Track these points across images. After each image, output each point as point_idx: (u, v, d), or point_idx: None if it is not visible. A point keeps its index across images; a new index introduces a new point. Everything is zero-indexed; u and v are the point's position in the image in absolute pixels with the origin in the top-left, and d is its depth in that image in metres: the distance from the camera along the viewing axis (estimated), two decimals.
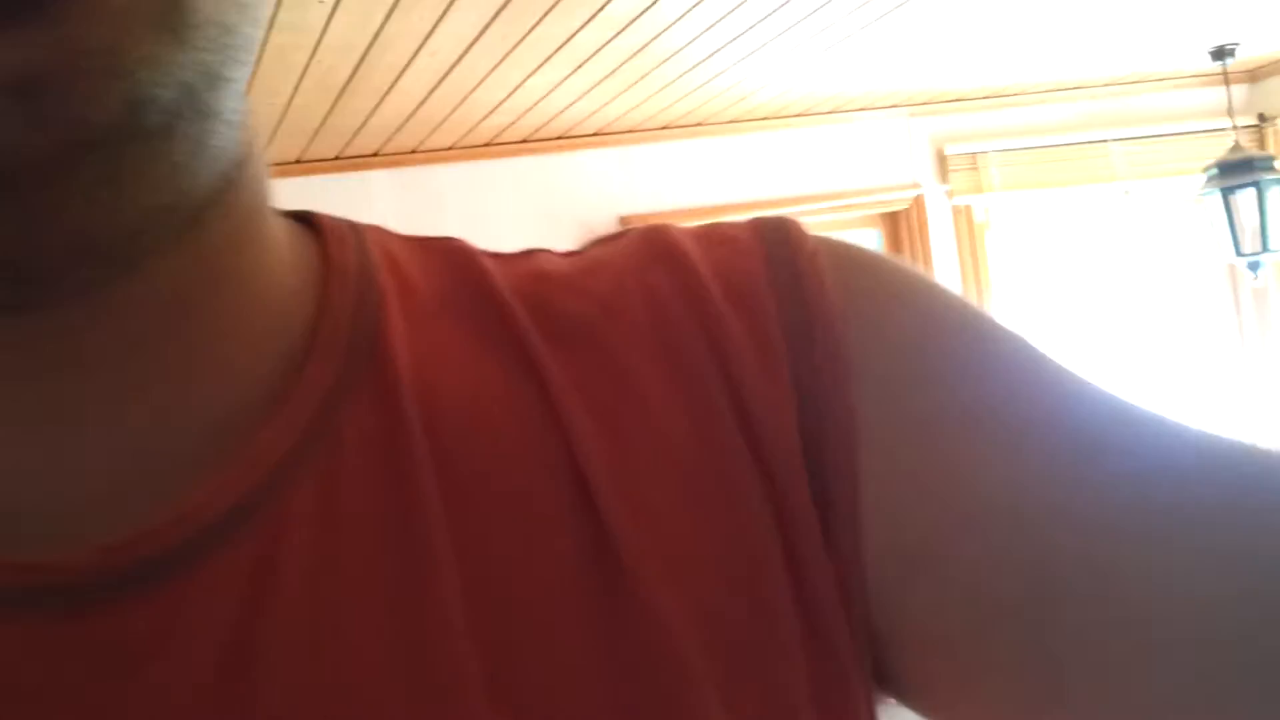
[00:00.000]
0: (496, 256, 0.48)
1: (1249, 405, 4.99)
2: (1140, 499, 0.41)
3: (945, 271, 4.84)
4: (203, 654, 0.38)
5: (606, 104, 4.06)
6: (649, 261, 0.47)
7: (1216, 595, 0.39)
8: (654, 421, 0.44)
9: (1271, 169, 4.49)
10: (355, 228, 0.48)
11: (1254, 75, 4.98)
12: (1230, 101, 4.65)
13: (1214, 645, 0.39)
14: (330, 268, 0.45)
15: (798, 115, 4.67)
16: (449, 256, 0.48)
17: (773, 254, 0.47)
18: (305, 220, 0.48)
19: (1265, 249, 4.45)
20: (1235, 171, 4.46)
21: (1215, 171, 4.50)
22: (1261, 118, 5.00)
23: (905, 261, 0.49)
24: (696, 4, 3.08)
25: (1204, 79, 4.86)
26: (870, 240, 4.91)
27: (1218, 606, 0.39)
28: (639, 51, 3.45)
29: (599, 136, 4.53)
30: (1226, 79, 4.64)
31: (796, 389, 0.44)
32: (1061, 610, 0.41)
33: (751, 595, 0.42)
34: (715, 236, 0.48)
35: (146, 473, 0.40)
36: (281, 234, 0.45)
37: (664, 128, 4.56)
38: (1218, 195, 4.47)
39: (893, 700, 0.46)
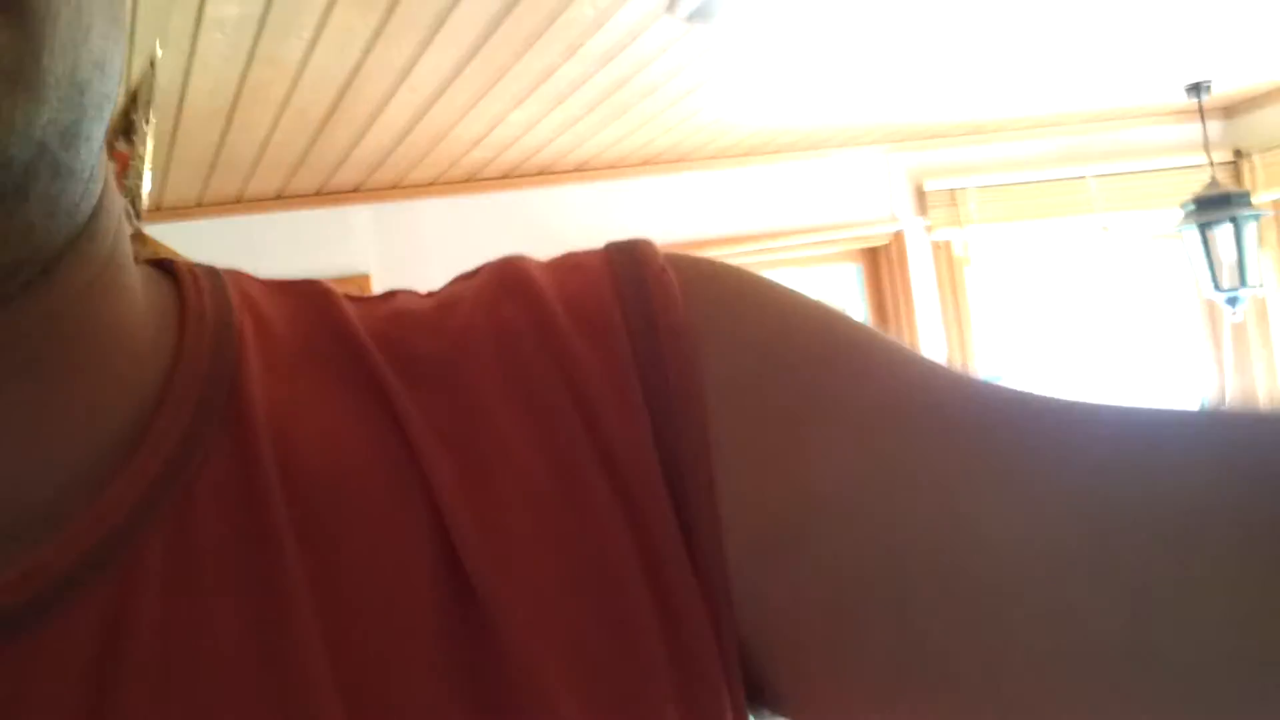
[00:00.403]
0: (356, 299, 0.48)
1: None
2: (996, 465, 0.41)
3: (926, 306, 4.85)
4: (57, 713, 0.37)
5: (587, 139, 4.06)
6: (500, 295, 0.47)
7: (1071, 551, 0.39)
8: (510, 458, 0.43)
9: (1248, 204, 4.52)
10: (213, 272, 0.47)
11: (1229, 111, 5.01)
12: (1206, 137, 4.68)
13: (1072, 608, 0.39)
14: (187, 314, 0.45)
15: (777, 151, 4.68)
16: (308, 299, 0.48)
17: (621, 276, 0.47)
18: (164, 267, 0.47)
19: (1243, 284, 4.47)
20: (1212, 207, 4.49)
21: (1192, 207, 4.53)
22: (1237, 153, 5.03)
23: (745, 268, 0.49)
24: (675, 40, 3.09)
25: (1180, 114, 4.90)
26: (850, 275, 4.92)
27: (1072, 562, 0.39)
28: (619, 87, 3.46)
29: (580, 172, 4.53)
30: (1202, 114, 4.67)
31: (650, 407, 0.44)
32: (922, 585, 0.41)
33: (614, 625, 0.42)
34: (566, 265, 0.49)
35: (2, 523, 0.39)
36: (139, 282, 0.45)
37: (645, 163, 4.57)
38: (1195, 230, 4.50)
39: (768, 715, 0.46)
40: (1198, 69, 4.31)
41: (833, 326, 0.47)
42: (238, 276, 0.48)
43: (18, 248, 0.37)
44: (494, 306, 0.47)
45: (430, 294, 0.49)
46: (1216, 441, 0.40)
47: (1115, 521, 0.39)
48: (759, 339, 0.46)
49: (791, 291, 0.48)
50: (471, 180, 4.43)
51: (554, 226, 4.53)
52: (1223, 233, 4.48)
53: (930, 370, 0.45)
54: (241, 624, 0.39)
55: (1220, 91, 4.62)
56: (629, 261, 0.47)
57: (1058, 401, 0.43)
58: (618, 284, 0.47)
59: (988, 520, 0.40)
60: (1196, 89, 4.51)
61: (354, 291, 0.50)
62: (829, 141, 4.68)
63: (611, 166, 4.54)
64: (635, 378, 0.45)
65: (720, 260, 0.49)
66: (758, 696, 0.45)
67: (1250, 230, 4.50)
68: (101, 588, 0.39)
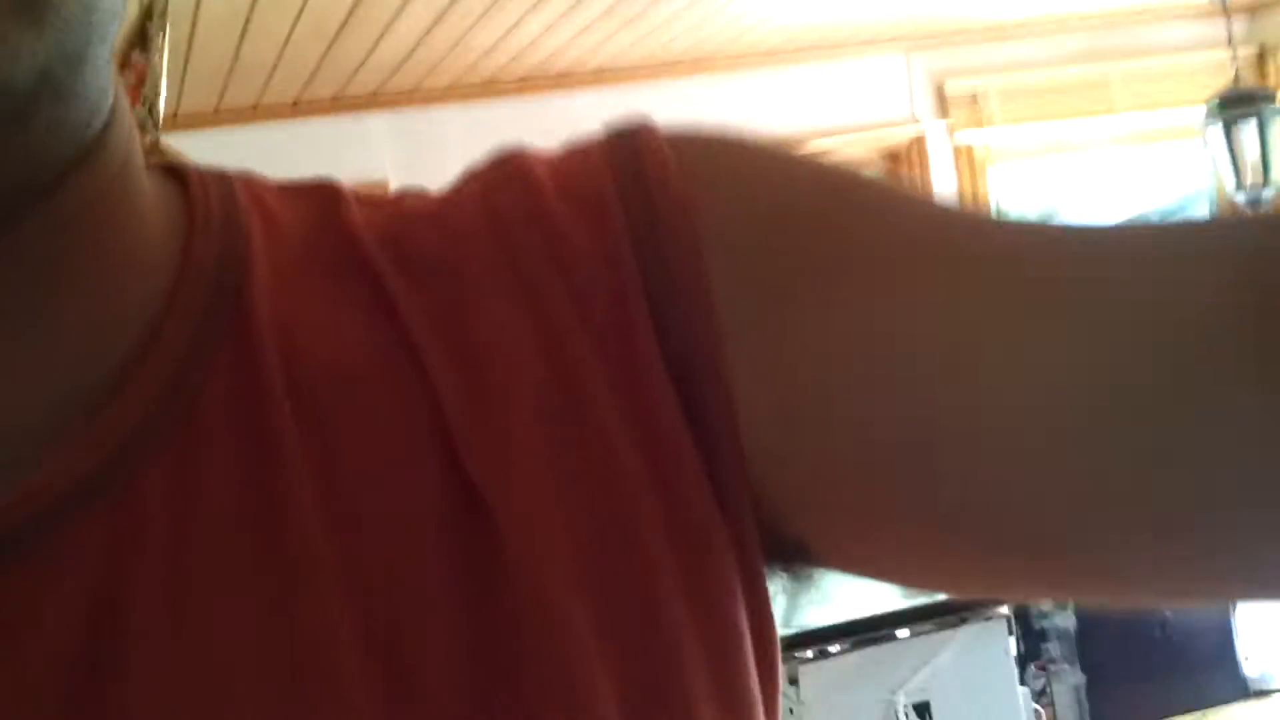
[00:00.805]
0: (365, 201, 0.48)
1: None
2: (1015, 309, 0.41)
3: None
4: (64, 631, 0.37)
5: (603, 43, 4.03)
6: (497, 184, 0.47)
7: (1096, 403, 0.39)
8: (507, 353, 0.43)
9: (1273, 101, 4.47)
10: (224, 177, 0.47)
11: (1254, 8, 4.94)
12: (1231, 33, 4.61)
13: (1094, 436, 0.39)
14: (194, 221, 0.44)
15: (796, 52, 4.64)
16: (317, 200, 0.47)
17: (619, 157, 0.46)
18: (174, 173, 0.47)
19: (1267, 183, 4.44)
20: (1237, 104, 4.44)
21: (1217, 104, 4.48)
22: (1263, 50, 4.96)
23: (763, 138, 0.48)
24: None
25: (1204, 12, 4.83)
26: None
27: (1096, 415, 0.39)
28: None
29: (599, 77, 4.50)
30: (1227, 10, 4.60)
31: (649, 288, 0.44)
32: (948, 438, 0.40)
33: (616, 522, 0.42)
34: (567, 151, 0.48)
35: (5, 446, 0.39)
36: (150, 191, 0.44)
37: (664, 66, 4.53)
38: (1219, 128, 4.46)
39: (809, 571, 0.46)
40: None
41: (843, 189, 0.46)
42: (249, 180, 0.47)
43: (19, 170, 0.37)
44: (490, 195, 0.46)
45: (438, 193, 0.49)
46: (1230, 250, 0.40)
47: (1134, 355, 0.39)
48: (764, 208, 0.45)
49: (799, 156, 0.47)
50: (489, 86, 4.40)
51: (572, 134, 4.51)
52: (1248, 130, 4.44)
53: (947, 214, 0.45)
54: (248, 540, 0.39)
55: None
56: (627, 140, 0.47)
57: (1074, 229, 0.43)
58: (613, 161, 0.46)
59: (1011, 371, 0.40)
60: None
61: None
62: (848, 41, 4.64)
63: (630, 71, 4.51)
64: (631, 258, 0.44)
65: (722, 130, 0.48)
66: (785, 554, 0.45)
67: (1275, 127, 4.45)
68: (105, 509, 0.39)
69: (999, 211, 0.45)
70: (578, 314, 0.44)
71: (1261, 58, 4.97)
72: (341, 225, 0.46)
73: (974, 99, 4.83)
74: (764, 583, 0.44)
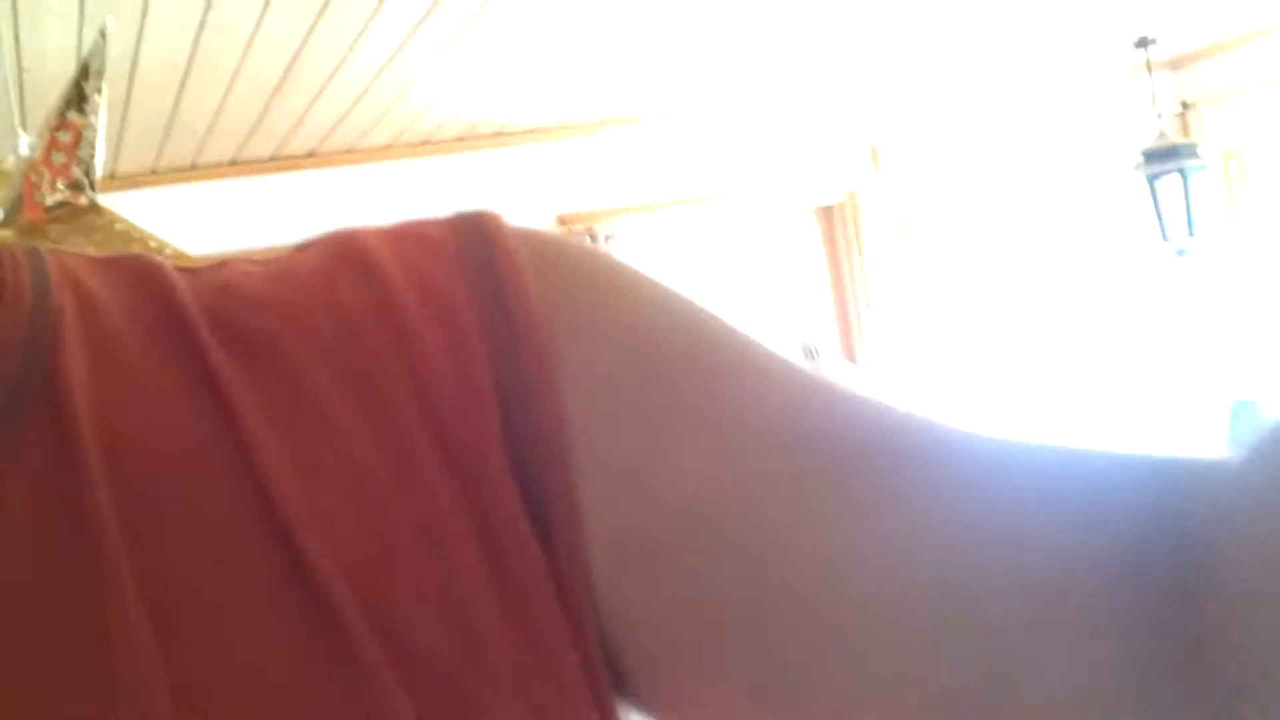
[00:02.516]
0: (185, 270, 0.46)
1: (1172, 389, 5.07)
2: (864, 501, 0.41)
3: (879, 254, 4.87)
4: None
5: (545, 100, 4.06)
6: (338, 271, 0.45)
7: (923, 619, 0.40)
8: (340, 445, 0.41)
9: (1195, 156, 4.56)
10: (35, 252, 0.45)
11: (1176, 63, 5.04)
12: (1154, 89, 4.71)
13: (916, 629, 0.40)
14: (2, 295, 0.42)
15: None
16: (135, 273, 0.45)
17: (470, 257, 0.44)
18: None
19: (1190, 235, 4.52)
20: (1160, 159, 4.53)
21: (1141, 159, 4.57)
22: (1184, 105, 5.07)
23: (608, 253, 0.47)
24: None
25: (1130, 66, 4.92)
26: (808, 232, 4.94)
27: (919, 591, 0.40)
28: (576, 44, 3.46)
29: (535, 133, 4.54)
30: (1149, 66, 4.70)
31: (500, 399, 0.42)
32: (779, 615, 0.41)
33: (457, 625, 0.40)
34: (410, 238, 0.46)
35: None
36: None
37: (601, 123, 4.57)
38: (1144, 182, 4.54)
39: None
40: (1145, 24, 4.34)
41: (700, 324, 0.45)
42: (61, 254, 0.45)
43: None
44: (332, 282, 0.44)
45: (264, 263, 0.47)
46: (1094, 521, 0.40)
47: (970, 593, 0.40)
48: (620, 333, 0.44)
49: (655, 281, 0.46)
50: (427, 144, 4.42)
51: (510, 189, 4.53)
52: (1171, 184, 4.52)
53: (804, 382, 0.44)
54: (68, 628, 0.37)
55: (1168, 42, 4.66)
56: (479, 240, 0.45)
57: (936, 433, 0.43)
58: (467, 267, 0.44)
59: (848, 563, 0.41)
60: (1143, 43, 4.54)
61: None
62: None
63: (567, 127, 4.55)
64: (484, 367, 0.42)
65: (575, 240, 0.47)
66: (621, 691, 0.44)
67: (1197, 182, 4.54)
68: None
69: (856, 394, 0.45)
70: (424, 421, 0.42)
71: (1184, 112, 5.07)
72: (163, 297, 0.44)
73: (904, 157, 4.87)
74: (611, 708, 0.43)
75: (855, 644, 0.40)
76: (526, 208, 4.46)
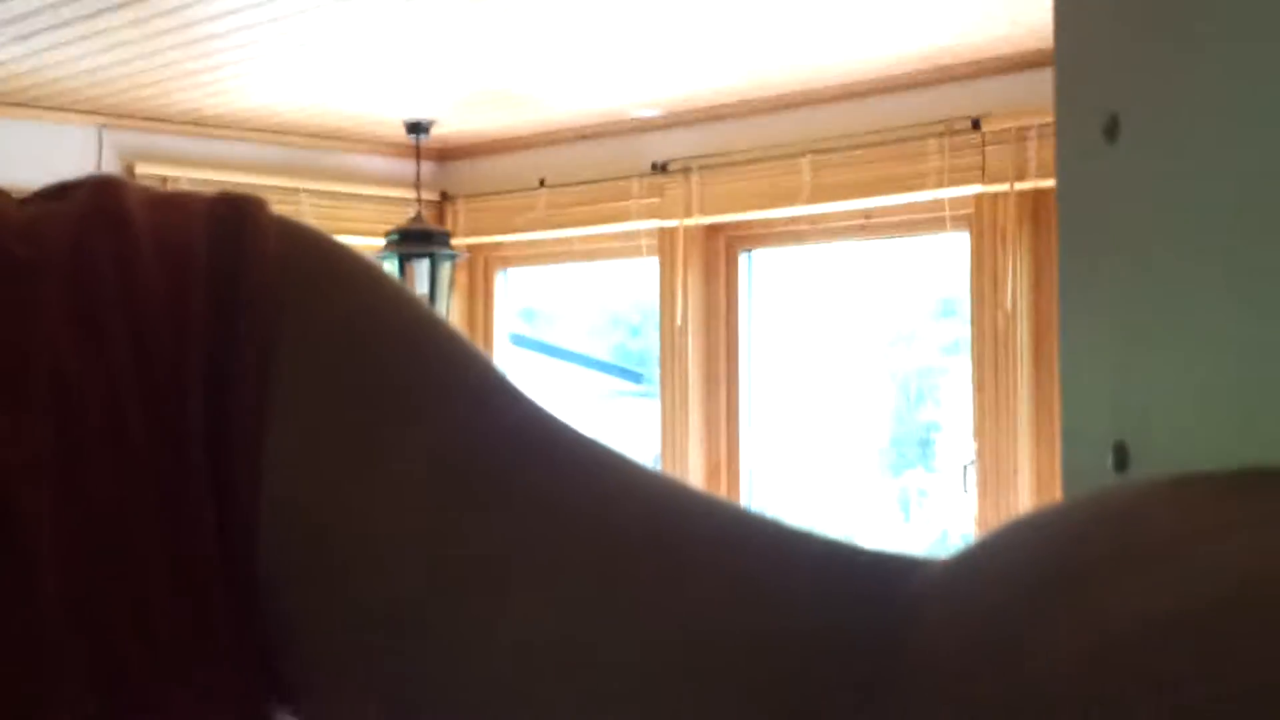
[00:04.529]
0: None
1: None
2: (529, 555, 0.42)
3: None
4: None
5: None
6: (90, 219, 0.47)
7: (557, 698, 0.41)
8: (62, 376, 0.43)
9: (447, 244, 4.79)
10: None
11: (442, 154, 5.28)
12: (419, 175, 4.89)
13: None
14: None
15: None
16: None
17: (219, 224, 0.46)
18: None
19: None
20: (414, 241, 4.71)
21: (396, 237, 4.72)
22: (444, 195, 5.30)
23: (361, 255, 0.49)
24: None
25: (398, 149, 5.09)
26: None
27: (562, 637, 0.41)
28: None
29: None
30: (419, 153, 4.89)
31: (211, 359, 0.44)
32: (425, 662, 0.42)
33: (122, 581, 0.43)
34: (169, 202, 0.48)
35: None
36: None
37: None
38: (394, 261, 4.69)
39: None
40: (421, 109, 4.50)
41: (418, 323, 0.47)
42: None
43: None
44: (84, 230, 0.46)
45: (25, 200, 0.49)
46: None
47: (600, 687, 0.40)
48: (342, 321, 0.46)
49: (399, 289, 0.49)
50: None
51: None
52: (420, 267, 4.71)
53: (509, 406, 0.46)
54: None
55: (439, 133, 4.86)
56: (234, 214, 0.47)
57: (604, 471, 0.44)
58: (212, 228, 0.46)
59: (500, 624, 0.41)
60: (417, 127, 4.71)
61: None
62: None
63: None
64: (202, 326, 0.44)
65: (333, 239, 0.49)
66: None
67: (445, 269, 4.76)
68: None
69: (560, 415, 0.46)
70: (136, 367, 0.44)
71: (442, 202, 5.30)
72: None
73: (163, 184, 4.72)
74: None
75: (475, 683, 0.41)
76: None
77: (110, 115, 4.59)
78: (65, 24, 3.38)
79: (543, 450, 0.45)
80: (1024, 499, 3.91)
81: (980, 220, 4.05)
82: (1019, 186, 3.92)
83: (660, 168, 4.67)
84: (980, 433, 4.02)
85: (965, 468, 4.12)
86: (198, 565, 0.43)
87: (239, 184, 4.83)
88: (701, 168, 4.59)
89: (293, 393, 0.44)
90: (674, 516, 0.43)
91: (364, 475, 0.43)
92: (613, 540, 0.42)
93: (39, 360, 0.44)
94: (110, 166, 4.66)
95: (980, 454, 4.02)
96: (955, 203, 4.10)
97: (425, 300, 0.49)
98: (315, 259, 0.47)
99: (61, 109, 4.47)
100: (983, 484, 4.02)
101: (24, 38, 3.52)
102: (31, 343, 0.44)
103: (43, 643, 0.41)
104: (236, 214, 0.47)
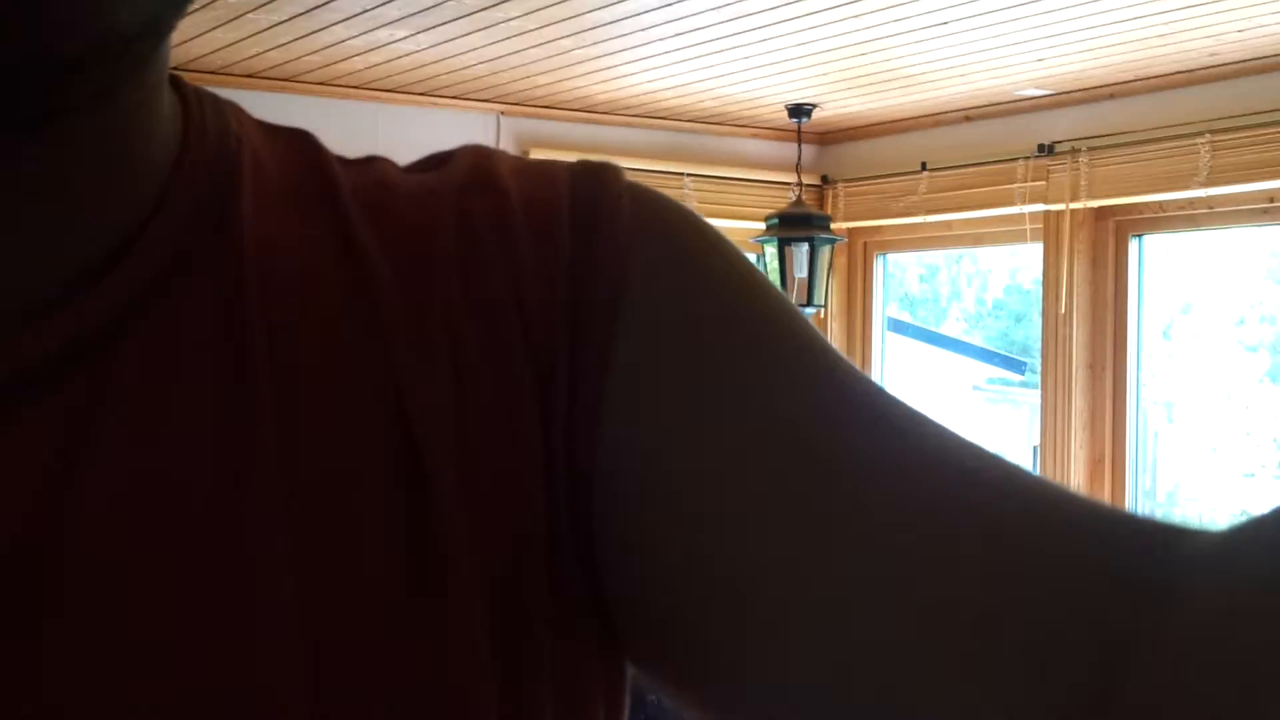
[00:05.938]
0: (343, 160, 0.51)
1: None
2: (867, 521, 0.43)
3: None
4: (15, 500, 0.39)
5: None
6: (470, 187, 0.50)
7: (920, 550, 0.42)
8: (462, 335, 0.46)
9: (827, 228, 4.77)
10: (216, 99, 0.50)
11: (824, 138, 5.27)
12: (800, 158, 4.89)
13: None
14: (189, 130, 0.47)
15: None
16: (299, 145, 0.51)
17: (579, 192, 0.50)
18: (173, 83, 0.49)
19: (810, 303, 4.72)
20: (794, 225, 4.72)
21: (776, 221, 4.74)
22: (824, 179, 5.29)
23: (709, 224, 0.51)
24: None
25: (780, 133, 5.10)
26: None
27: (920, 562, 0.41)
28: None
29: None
30: (800, 136, 4.88)
31: (569, 313, 0.47)
32: (764, 608, 0.43)
33: (523, 513, 0.45)
34: (534, 169, 0.52)
35: (16, 297, 0.41)
36: (168, 101, 0.47)
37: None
38: (774, 245, 4.71)
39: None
40: (803, 91, 4.50)
41: (774, 316, 0.48)
42: (236, 107, 0.50)
43: (101, 77, 0.40)
44: (463, 196, 0.49)
45: (406, 169, 0.52)
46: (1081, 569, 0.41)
47: (939, 627, 0.40)
48: (693, 298, 0.48)
49: (744, 263, 0.50)
50: None
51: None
52: (799, 251, 4.71)
53: (847, 388, 0.46)
54: (206, 443, 0.42)
55: (820, 116, 4.85)
56: (592, 181, 0.50)
57: (956, 456, 0.44)
58: (574, 199, 0.49)
59: (833, 576, 0.42)
60: (799, 110, 4.72)
61: None
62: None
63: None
64: (564, 290, 0.47)
65: (683, 206, 0.52)
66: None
67: (824, 253, 4.75)
68: (73, 385, 0.41)
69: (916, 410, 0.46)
70: (523, 334, 0.47)
71: (822, 186, 5.29)
72: (323, 173, 0.49)
73: None
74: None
75: (827, 657, 0.42)
76: None
77: (507, 103, 4.79)
78: (467, 15, 3.54)
79: (880, 420, 0.46)
80: None
81: None
82: None
83: (1047, 149, 4.51)
84: None
85: None
86: (559, 518, 0.45)
87: (626, 170, 4.95)
88: (1090, 149, 4.40)
89: (636, 337, 0.47)
90: (986, 492, 0.43)
91: (702, 431, 0.45)
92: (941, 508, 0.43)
93: (436, 329, 0.46)
94: (508, 151, 4.86)
95: None
96: None
97: (775, 288, 0.51)
98: (662, 224, 0.50)
99: (463, 97, 4.70)
100: None
101: (430, 28, 3.72)
102: (429, 310, 0.46)
103: (447, 584, 0.43)
104: (594, 179, 0.50)
